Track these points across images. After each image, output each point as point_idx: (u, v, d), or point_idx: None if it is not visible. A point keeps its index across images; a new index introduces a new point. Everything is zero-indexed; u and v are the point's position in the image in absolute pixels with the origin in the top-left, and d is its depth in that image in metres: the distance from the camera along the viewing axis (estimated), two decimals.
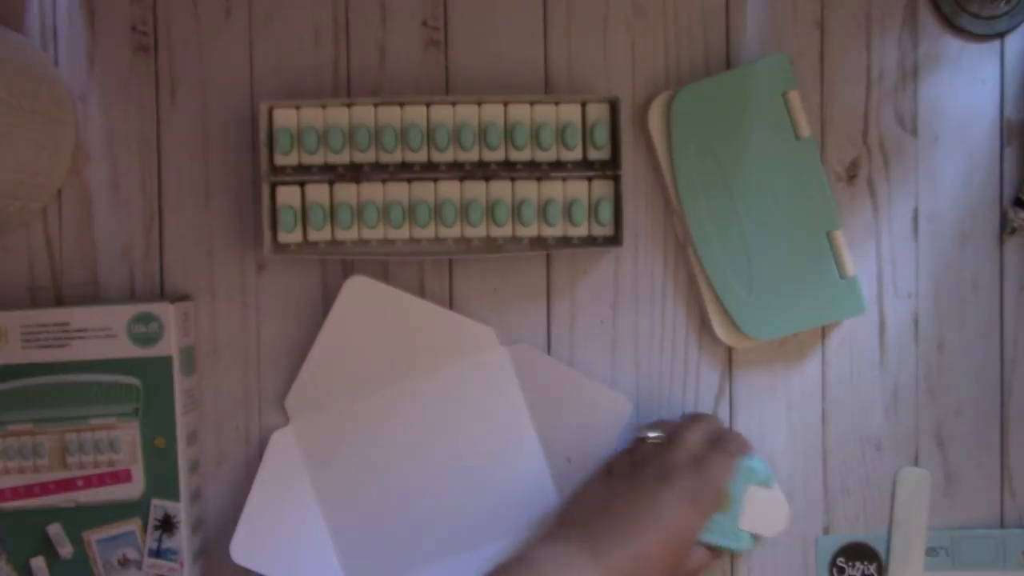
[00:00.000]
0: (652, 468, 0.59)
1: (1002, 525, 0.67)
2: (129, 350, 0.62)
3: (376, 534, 0.64)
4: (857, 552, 0.66)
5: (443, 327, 0.65)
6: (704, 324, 0.66)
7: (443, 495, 0.64)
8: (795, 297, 0.64)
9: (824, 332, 0.67)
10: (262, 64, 0.66)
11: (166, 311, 0.62)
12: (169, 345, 0.62)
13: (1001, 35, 0.66)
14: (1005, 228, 0.66)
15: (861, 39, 0.66)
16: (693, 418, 0.63)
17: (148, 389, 0.62)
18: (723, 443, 0.60)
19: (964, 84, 0.66)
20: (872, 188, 0.67)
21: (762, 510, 0.61)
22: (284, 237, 0.63)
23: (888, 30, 0.66)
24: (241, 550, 0.63)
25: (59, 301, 0.66)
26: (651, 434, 0.61)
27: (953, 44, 0.67)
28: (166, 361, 0.62)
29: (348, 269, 0.66)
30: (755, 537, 0.61)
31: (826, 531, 0.67)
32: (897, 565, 0.66)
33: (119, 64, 0.66)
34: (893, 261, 0.67)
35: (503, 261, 0.66)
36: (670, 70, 0.66)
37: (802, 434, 0.67)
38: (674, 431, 0.61)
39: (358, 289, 0.64)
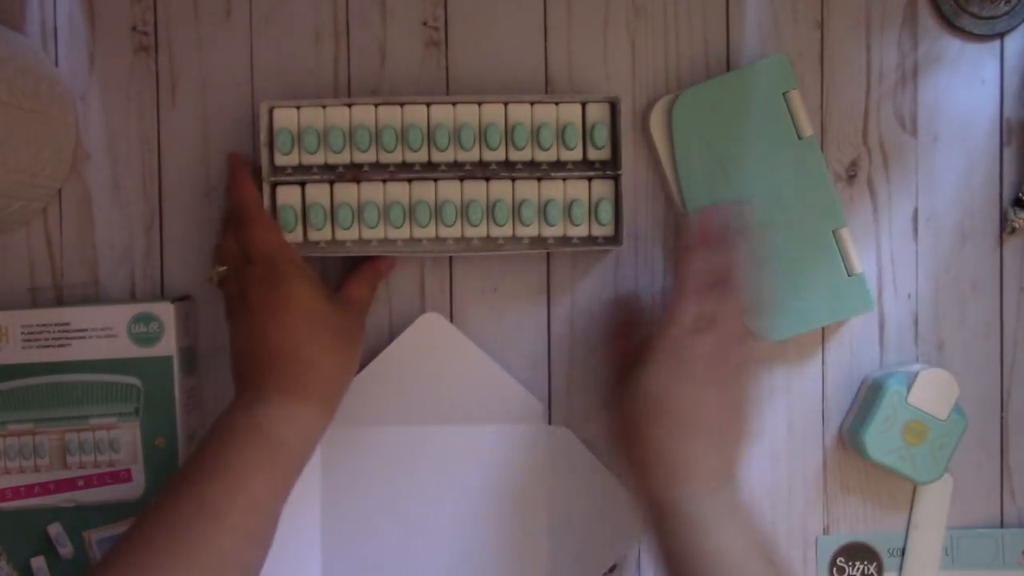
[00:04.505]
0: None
1: (1002, 525, 0.67)
2: (129, 350, 0.62)
3: (365, 565, 0.64)
4: (857, 552, 0.67)
5: (496, 386, 0.64)
6: None
7: (441, 549, 0.64)
8: (804, 297, 0.64)
9: (824, 332, 0.67)
10: (262, 64, 0.66)
11: (166, 311, 0.62)
12: (169, 345, 0.62)
13: (1001, 35, 0.66)
14: (1005, 228, 0.66)
15: (861, 39, 0.66)
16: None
17: (148, 389, 0.62)
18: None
19: (964, 84, 0.67)
20: (872, 188, 0.67)
21: (932, 390, 0.62)
22: (285, 237, 0.63)
23: (888, 30, 0.66)
24: None
25: (59, 301, 0.66)
26: None
27: (953, 44, 0.67)
28: (166, 361, 0.62)
29: (349, 260, 0.66)
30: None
31: (826, 531, 0.67)
32: (914, 567, 0.66)
33: (119, 64, 0.66)
34: (893, 261, 0.67)
35: (503, 261, 0.66)
36: (670, 71, 0.66)
37: (802, 434, 0.67)
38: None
39: (429, 325, 0.64)
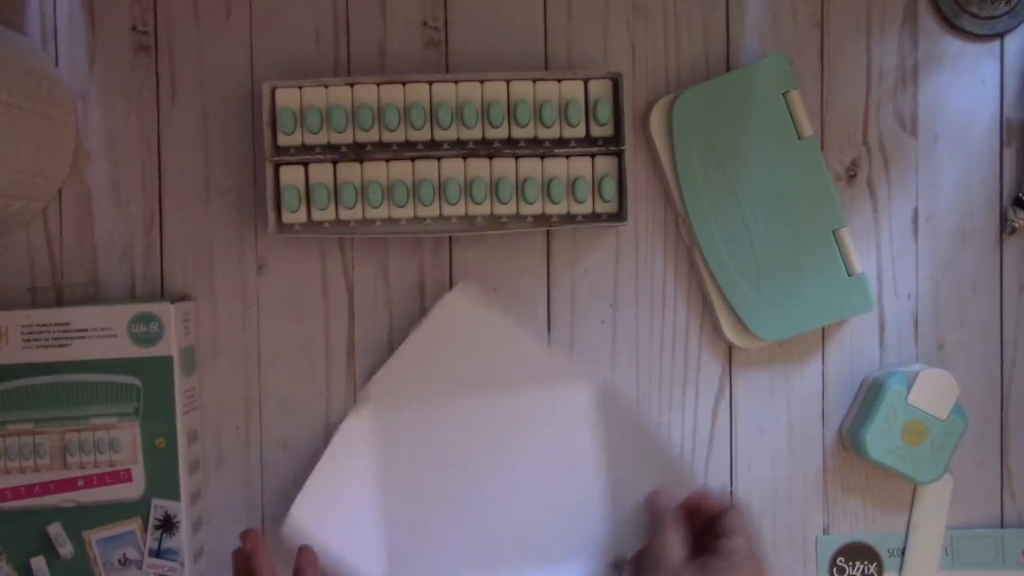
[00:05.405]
0: None
1: (1002, 525, 0.67)
2: (129, 350, 0.62)
3: (426, 536, 0.64)
4: (857, 552, 0.67)
5: (532, 353, 0.65)
6: (704, 324, 0.66)
7: (497, 514, 0.64)
8: (804, 296, 0.64)
9: (824, 332, 0.67)
10: (262, 64, 0.66)
11: (166, 311, 0.62)
12: (169, 345, 0.62)
13: (1001, 35, 0.66)
14: (1005, 228, 0.66)
15: (861, 39, 0.66)
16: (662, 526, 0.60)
17: (148, 389, 0.62)
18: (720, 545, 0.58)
19: (964, 84, 0.66)
20: (872, 188, 0.67)
21: (932, 390, 0.63)
22: (288, 217, 0.62)
23: (888, 30, 0.66)
24: (296, 524, 0.62)
25: (59, 301, 0.66)
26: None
27: (953, 44, 0.67)
28: (166, 361, 0.62)
29: (349, 259, 0.66)
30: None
31: (826, 531, 0.67)
32: (914, 567, 0.66)
33: (119, 64, 0.66)
34: (893, 261, 0.67)
35: (504, 262, 0.66)
36: (670, 71, 0.66)
37: (802, 434, 0.67)
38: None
39: (463, 297, 0.65)
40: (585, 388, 0.65)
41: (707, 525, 0.61)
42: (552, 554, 0.64)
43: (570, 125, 0.62)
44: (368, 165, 0.62)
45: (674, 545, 0.58)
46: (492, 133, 0.62)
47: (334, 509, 0.63)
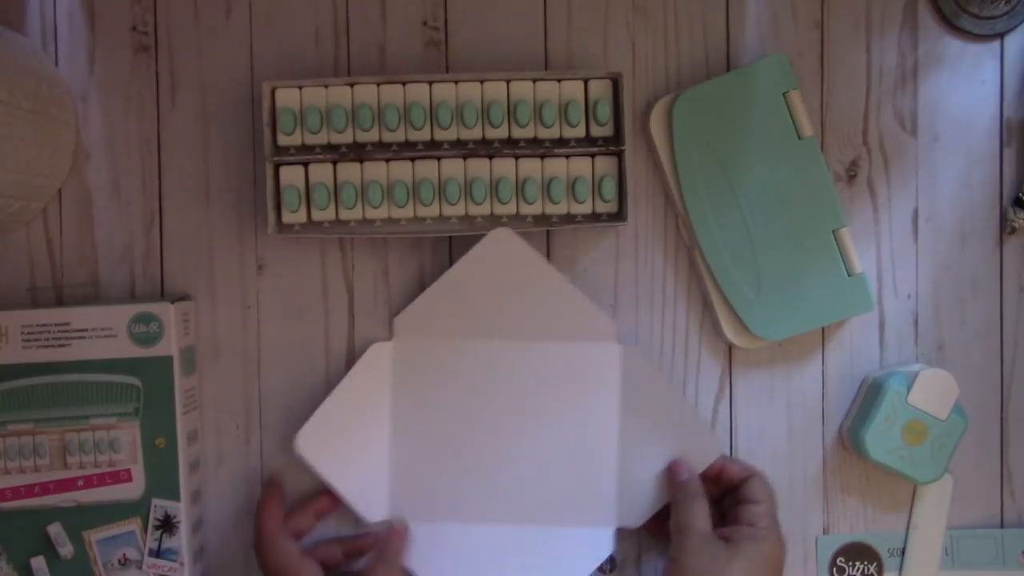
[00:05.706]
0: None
1: (1002, 525, 0.67)
2: (129, 350, 0.62)
3: (431, 475, 0.64)
4: (857, 552, 0.67)
5: (568, 303, 0.64)
6: (704, 324, 0.66)
7: (508, 462, 0.64)
8: (804, 296, 0.64)
9: (824, 332, 0.67)
10: (262, 64, 0.66)
11: (166, 311, 0.62)
12: (169, 345, 0.62)
13: (1001, 35, 0.66)
14: (1005, 228, 0.66)
15: (861, 39, 0.66)
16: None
17: (148, 389, 0.62)
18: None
19: (964, 84, 0.67)
20: (872, 188, 0.67)
21: (932, 390, 0.63)
22: (288, 217, 0.62)
23: (888, 30, 0.66)
24: (306, 443, 0.63)
25: (59, 301, 0.66)
26: None
27: (953, 44, 0.67)
28: (166, 361, 0.62)
29: (349, 259, 0.66)
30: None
31: (826, 531, 0.67)
32: (914, 567, 0.66)
33: (119, 64, 0.66)
34: (893, 261, 0.67)
35: None
36: (670, 71, 0.66)
37: (802, 434, 0.67)
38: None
39: (502, 240, 0.63)
40: (615, 349, 0.64)
41: (727, 491, 0.63)
42: (559, 517, 0.64)
43: (570, 125, 0.62)
44: (368, 165, 0.62)
45: (700, 515, 0.60)
46: (492, 133, 0.62)
47: (343, 438, 0.63)
